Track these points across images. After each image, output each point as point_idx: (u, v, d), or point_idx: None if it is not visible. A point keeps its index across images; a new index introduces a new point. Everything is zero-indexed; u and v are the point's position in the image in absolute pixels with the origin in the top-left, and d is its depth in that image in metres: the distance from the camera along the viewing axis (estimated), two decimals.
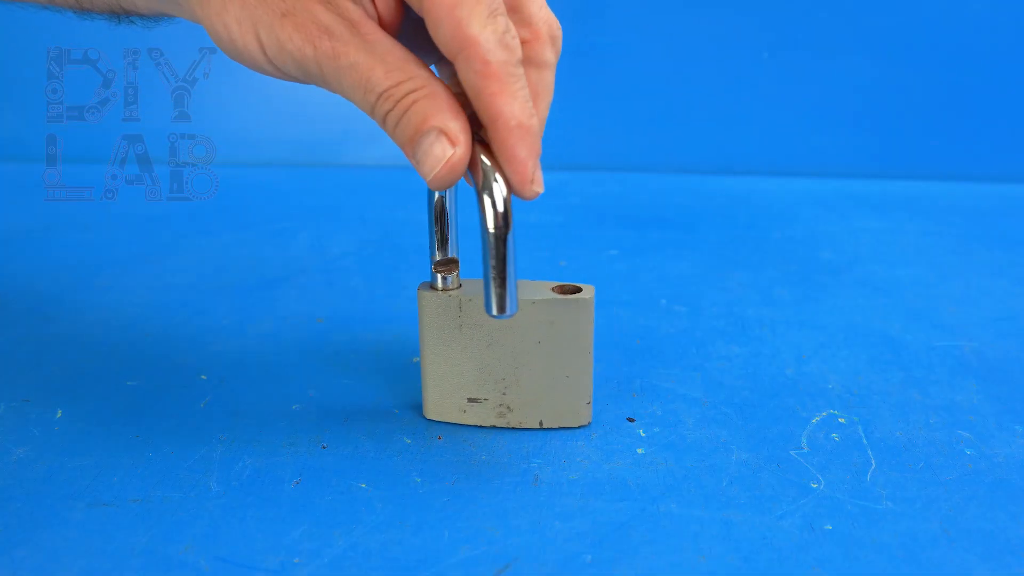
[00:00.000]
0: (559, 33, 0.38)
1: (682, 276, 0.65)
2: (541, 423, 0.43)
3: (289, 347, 0.52)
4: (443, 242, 0.41)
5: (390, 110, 0.34)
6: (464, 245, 0.44)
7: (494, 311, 0.35)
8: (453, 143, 0.34)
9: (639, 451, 0.40)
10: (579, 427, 0.43)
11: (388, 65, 0.34)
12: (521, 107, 0.34)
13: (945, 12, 0.96)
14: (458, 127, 0.34)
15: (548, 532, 0.34)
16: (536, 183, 0.35)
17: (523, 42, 0.37)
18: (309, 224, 0.78)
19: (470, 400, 0.43)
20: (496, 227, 0.34)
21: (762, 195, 0.91)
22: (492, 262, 0.35)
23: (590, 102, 1.01)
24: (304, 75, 0.35)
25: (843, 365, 0.50)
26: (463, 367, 0.42)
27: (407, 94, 0.34)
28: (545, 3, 0.38)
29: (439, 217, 0.40)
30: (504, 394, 0.42)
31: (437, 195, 0.40)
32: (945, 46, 0.97)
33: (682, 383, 0.47)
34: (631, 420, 0.44)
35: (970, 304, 0.59)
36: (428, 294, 0.42)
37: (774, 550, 0.33)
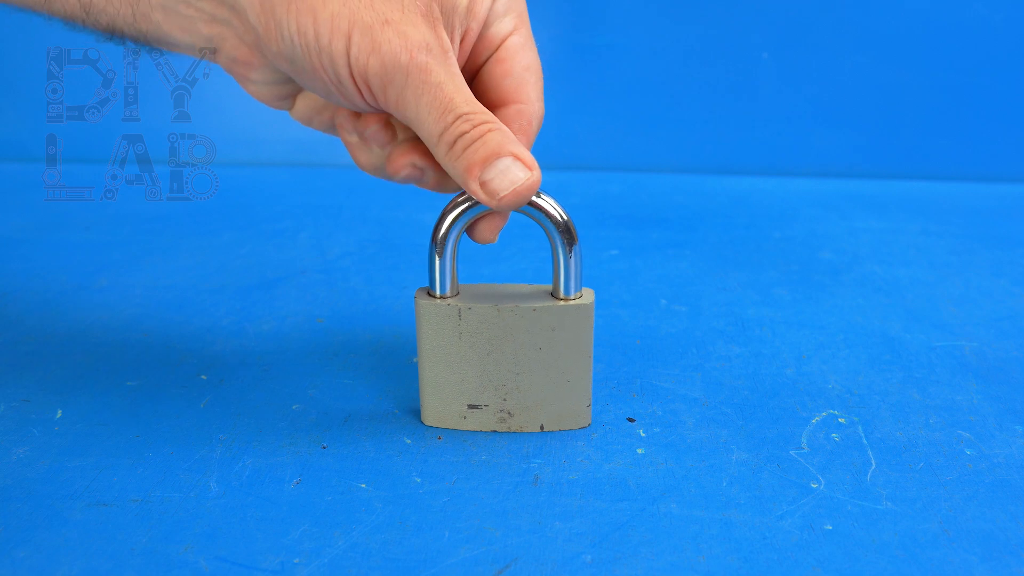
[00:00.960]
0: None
1: (682, 276, 0.65)
2: (542, 427, 0.43)
3: (289, 347, 0.52)
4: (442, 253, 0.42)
5: (466, 132, 0.36)
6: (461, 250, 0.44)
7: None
8: (530, 168, 0.37)
9: (639, 451, 0.40)
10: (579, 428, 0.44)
11: (466, 96, 0.36)
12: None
13: (945, 12, 0.96)
14: (531, 156, 0.37)
15: (548, 532, 0.34)
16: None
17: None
18: (309, 224, 0.78)
19: (470, 407, 0.43)
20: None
21: (762, 195, 0.91)
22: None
23: (590, 102, 1.01)
24: (381, 83, 0.36)
25: (843, 365, 0.50)
26: (463, 374, 0.42)
27: (484, 122, 0.36)
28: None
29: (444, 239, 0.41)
30: (504, 400, 0.42)
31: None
32: (945, 46, 0.97)
33: (682, 383, 0.47)
34: (631, 420, 0.44)
35: (970, 304, 0.59)
36: (426, 303, 0.41)
37: (774, 550, 0.33)
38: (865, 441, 0.41)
